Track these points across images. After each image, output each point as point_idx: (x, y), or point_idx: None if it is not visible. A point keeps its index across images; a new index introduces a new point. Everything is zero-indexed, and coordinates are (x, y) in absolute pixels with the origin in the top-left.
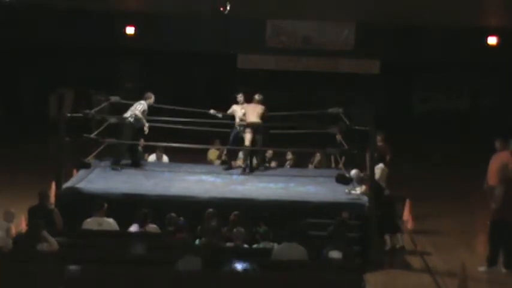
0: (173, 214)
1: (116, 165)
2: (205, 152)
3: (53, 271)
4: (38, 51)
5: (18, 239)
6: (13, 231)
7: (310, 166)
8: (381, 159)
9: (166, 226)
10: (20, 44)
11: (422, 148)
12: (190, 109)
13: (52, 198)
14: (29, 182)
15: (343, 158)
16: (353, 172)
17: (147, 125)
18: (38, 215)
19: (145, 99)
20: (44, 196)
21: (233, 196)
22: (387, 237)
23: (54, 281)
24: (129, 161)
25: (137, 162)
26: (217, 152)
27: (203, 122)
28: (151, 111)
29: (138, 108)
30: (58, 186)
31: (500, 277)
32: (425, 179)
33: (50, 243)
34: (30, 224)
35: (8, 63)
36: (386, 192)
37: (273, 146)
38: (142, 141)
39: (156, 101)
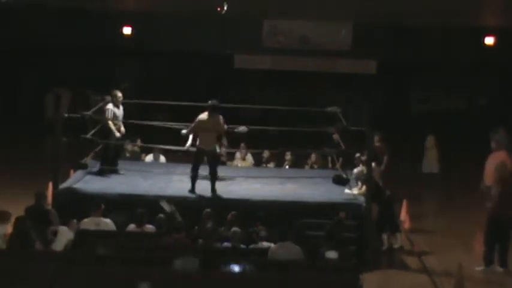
0: (162, 215)
1: (105, 167)
2: None
3: (51, 271)
4: (37, 51)
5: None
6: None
7: (306, 167)
8: (375, 159)
9: (159, 227)
10: (19, 44)
11: (420, 148)
12: (188, 103)
13: (49, 199)
14: (28, 182)
15: (340, 159)
16: (356, 170)
17: (118, 129)
18: (35, 215)
19: (111, 99)
20: (40, 196)
21: (230, 196)
22: (384, 237)
23: (52, 280)
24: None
25: (115, 165)
26: None
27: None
28: (148, 110)
29: (107, 115)
30: (55, 187)
31: (496, 277)
32: (423, 178)
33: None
34: (16, 222)
35: (7, 63)
36: (388, 192)
37: (270, 146)
38: (139, 142)
39: (154, 100)
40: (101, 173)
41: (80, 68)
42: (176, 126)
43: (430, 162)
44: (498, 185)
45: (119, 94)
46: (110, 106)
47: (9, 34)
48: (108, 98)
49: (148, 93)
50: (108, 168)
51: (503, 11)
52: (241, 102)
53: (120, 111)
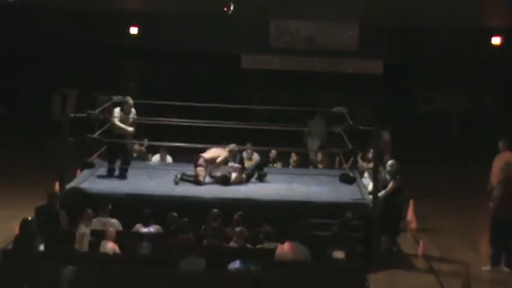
0: (175, 214)
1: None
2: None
3: (53, 271)
4: (42, 51)
5: (16, 239)
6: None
7: (310, 167)
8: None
9: (168, 225)
10: (22, 43)
11: (425, 148)
12: (194, 104)
13: None
14: (31, 183)
15: (351, 158)
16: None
17: (129, 129)
18: (46, 215)
19: (120, 105)
20: (53, 196)
21: (236, 196)
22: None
23: (54, 280)
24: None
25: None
26: None
27: (207, 121)
28: (152, 110)
29: (114, 116)
30: (61, 187)
31: (503, 277)
32: (429, 178)
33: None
34: (21, 222)
35: (8, 63)
36: (404, 194)
37: (276, 146)
38: (146, 142)
39: (159, 101)
40: (110, 172)
41: (85, 68)
42: (185, 124)
43: None
44: (502, 185)
45: (131, 101)
46: (116, 110)
47: (11, 34)
48: (115, 97)
49: (155, 93)
50: (121, 167)
51: (510, 11)
52: (247, 102)
53: (126, 117)
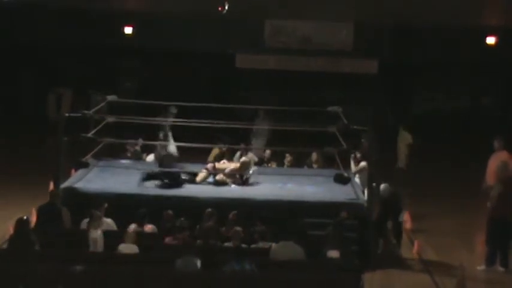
0: (170, 211)
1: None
2: (204, 151)
3: (52, 271)
4: (38, 51)
5: (10, 238)
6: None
7: (305, 167)
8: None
9: (163, 223)
10: (20, 43)
11: (422, 148)
12: (190, 103)
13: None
14: (28, 183)
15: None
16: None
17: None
18: (48, 213)
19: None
20: (54, 195)
21: (231, 196)
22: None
23: (53, 280)
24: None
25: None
26: (216, 153)
27: (203, 122)
28: (150, 109)
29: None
30: (56, 186)
31: (498, 276)
32: (425, 178)
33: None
34: (16, 222)
35: (7, 63)
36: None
37: (270, 146)
38: (140, 141)
39: (155, 101)
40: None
41: (81, 68)
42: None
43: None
44: (499, 185)
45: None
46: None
47: (9, 34)
48: (110, 97)
49: (150, 93)
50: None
51: (505, 11)
52: (242, 101)
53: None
